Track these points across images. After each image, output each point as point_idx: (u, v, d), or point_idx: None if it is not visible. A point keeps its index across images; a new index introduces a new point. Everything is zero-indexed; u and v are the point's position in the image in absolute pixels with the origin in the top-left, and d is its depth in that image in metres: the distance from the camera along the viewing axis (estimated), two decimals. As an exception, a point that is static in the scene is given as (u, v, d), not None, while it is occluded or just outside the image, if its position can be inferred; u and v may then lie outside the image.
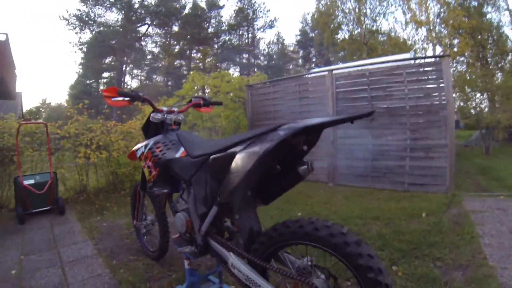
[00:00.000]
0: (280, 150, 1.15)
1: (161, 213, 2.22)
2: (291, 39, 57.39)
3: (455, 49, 14.60)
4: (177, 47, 32.04)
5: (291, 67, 34.95)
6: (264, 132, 1.14)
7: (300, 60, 36.48)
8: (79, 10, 25.95)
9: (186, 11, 30.20)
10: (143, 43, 30.48)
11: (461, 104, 10.26)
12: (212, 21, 32.34)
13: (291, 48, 36.42)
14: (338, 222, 3.06)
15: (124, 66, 29.95)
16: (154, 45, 31.41)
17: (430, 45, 17.16)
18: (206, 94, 8.33)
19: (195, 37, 29.95)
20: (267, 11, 35.35)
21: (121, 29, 27.10)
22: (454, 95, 9.49)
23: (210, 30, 32.07)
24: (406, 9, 18.93)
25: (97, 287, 2.05)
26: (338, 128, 5.12)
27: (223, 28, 32.38)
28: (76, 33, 26.98)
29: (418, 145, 4.47)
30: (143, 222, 2.41)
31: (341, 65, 12.14)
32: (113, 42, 26.99)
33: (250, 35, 33.78)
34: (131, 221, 2.70)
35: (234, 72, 31.38)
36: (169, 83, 31.90)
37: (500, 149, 10.34)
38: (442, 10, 16.11)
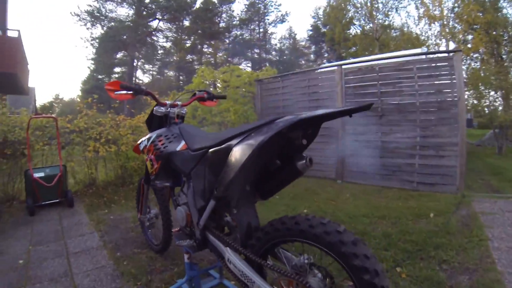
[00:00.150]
0: (278, 143, 1.12)
1: (165, 206, 2.23)
2: (303, 34, 56.88)
3: (469, 45, 14.14)
4: (189, 41, 32.13)
5: (303, 62, 34.58)
6: (261, 124, 1.12)
7: (312, 56, 36.07)
8: (90, 6, 26.34)
9: (197, 5, 30.23)
10: (154, 38, 30.66)
11: (475, 102, 9.96)
12: (223, 15, 32.33)
13: (303, 43, 36.07)
14: (344, 220, 3.05)
15: (136, 61, 30.22)
16: (165, 40, 31.59)
17: (444, 40, 16.71)
18: (217, 89, 8.29)
19: (206, 31, 29.98)
20: (279, 5, 35.01)
21: (132, 24, 27.28)
22: (467, 92, 9.22)
23: (222, 24, 32.04)
24: (419, 3, 18.51)
25: (100, 278, 2.09)
26: (346, 125, 5.06)
27: (234, 22, 32.31)
28: (88, 28, 27.48)
29: (428, 143, 4.35)
30: (147, 215, 2.43)
31: (350, 60, 11.93)
32: (124, 37, 27.23)
33: (261, 29, 33.61)
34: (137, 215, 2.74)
35: (245, 67, 31.32)
36: (181, 77, 32.07)
37: (514, 149, 10.01)
38: (456, 4, 15.63)
